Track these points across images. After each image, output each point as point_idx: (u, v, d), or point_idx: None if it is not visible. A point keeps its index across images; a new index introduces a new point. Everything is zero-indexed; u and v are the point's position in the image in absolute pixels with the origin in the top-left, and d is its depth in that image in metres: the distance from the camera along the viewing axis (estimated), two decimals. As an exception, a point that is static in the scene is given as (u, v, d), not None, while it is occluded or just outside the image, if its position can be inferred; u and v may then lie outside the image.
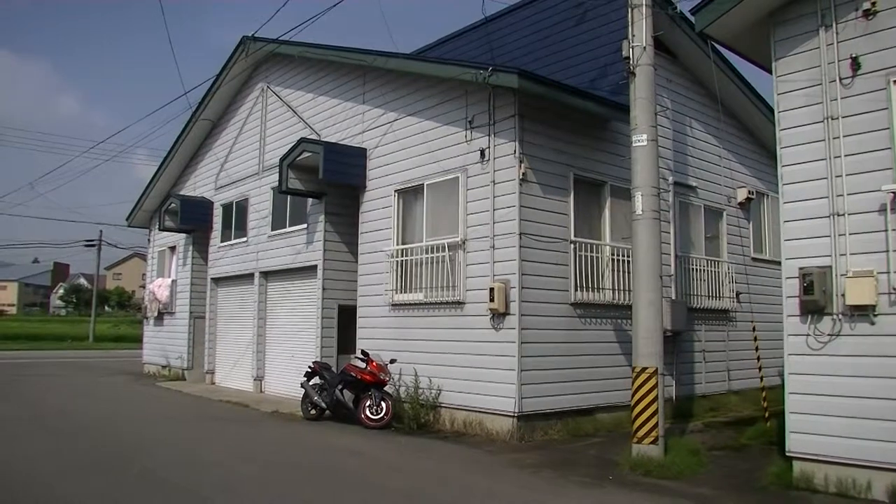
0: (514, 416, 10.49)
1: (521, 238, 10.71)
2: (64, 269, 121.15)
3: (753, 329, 11.95)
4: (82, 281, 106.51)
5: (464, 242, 11.55)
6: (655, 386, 8.74)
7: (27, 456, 9.38)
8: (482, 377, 10.98)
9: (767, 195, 15.90)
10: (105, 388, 19.29)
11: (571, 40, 14.06)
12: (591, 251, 11.74)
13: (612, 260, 12.01)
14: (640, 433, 8.79)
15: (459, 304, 11.52)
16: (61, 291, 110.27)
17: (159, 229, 22.11)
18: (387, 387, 12.11)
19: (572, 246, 11.46)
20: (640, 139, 9.25)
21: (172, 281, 21.93)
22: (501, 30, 15.94)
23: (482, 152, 11.34)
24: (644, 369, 8.84)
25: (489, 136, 11.30)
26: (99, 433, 11.52)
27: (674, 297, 12.77)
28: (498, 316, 10.80)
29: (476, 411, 11.12)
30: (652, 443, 8.72)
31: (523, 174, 10.81)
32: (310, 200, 15.27)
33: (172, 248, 22.47)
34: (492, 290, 10.73)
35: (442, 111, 12.28)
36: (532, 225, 10.89)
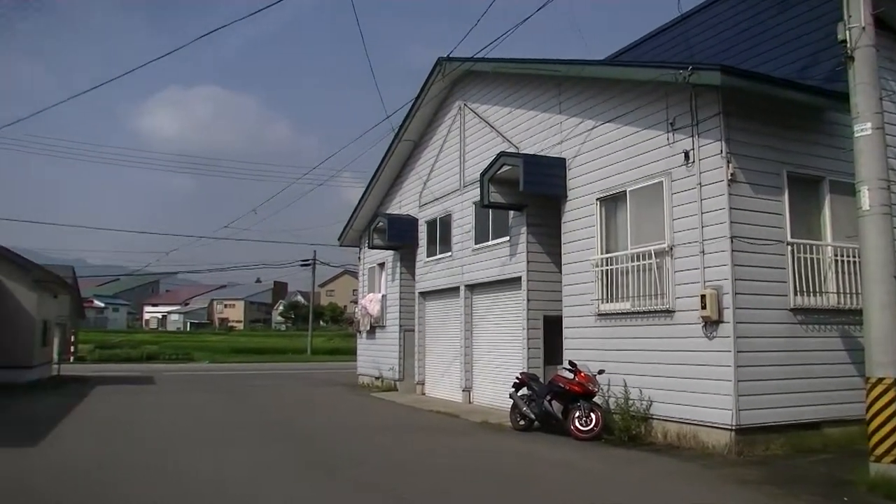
0: (731, 430, 10.00)
1: (732, 242, 10.23)
2: (283, 287, 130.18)
3: None
4: (299, 298, 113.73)
5: (671, 249, 11.20)
6: (895, 398, 7.99)
7: (255, 458, 10.14)
8: (695, 388, 10.57)
9: None
10: (323, 398, 20.59)
11: (772, 31, 13.38)
12: (811, 252, 10.98)
13: (835, 261, 11.16)
14: (879, 451, 8.04)
15: (669, 312, 11.18)
16: (281, 308, 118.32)
17: (368, 247, 23.23)
18: (595, 398, 11.97)
19: (789, 248, 10.78)
20: (863, 128, 8.54)
21: (382, 296, 22.99)
22: (696, 27, 15.44)
23: (686, 154, 10.97)
24: (880, 380, 8.10)
25: (693, 137, 10.92)
26: (319, 439, 12.28)
27: (909, 300, 11.63)
28: (710, 324, 10.36)
29: (689, 423, 10.71)
30: (893, 462, 7.96)
31: (732, 174, 10.34)
32: (511, 213, 15.46)
33: (381, 265, 23.57)
34: (703, 297, 10.32)
35: (641, 115, 12.02)
36: (743, 227, 10.37)
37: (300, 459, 10.35)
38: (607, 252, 12.69)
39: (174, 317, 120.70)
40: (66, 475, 8.91)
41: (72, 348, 38.01)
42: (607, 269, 12.56)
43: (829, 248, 11.20)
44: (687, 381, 10.73)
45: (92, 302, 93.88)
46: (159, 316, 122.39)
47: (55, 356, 29.44)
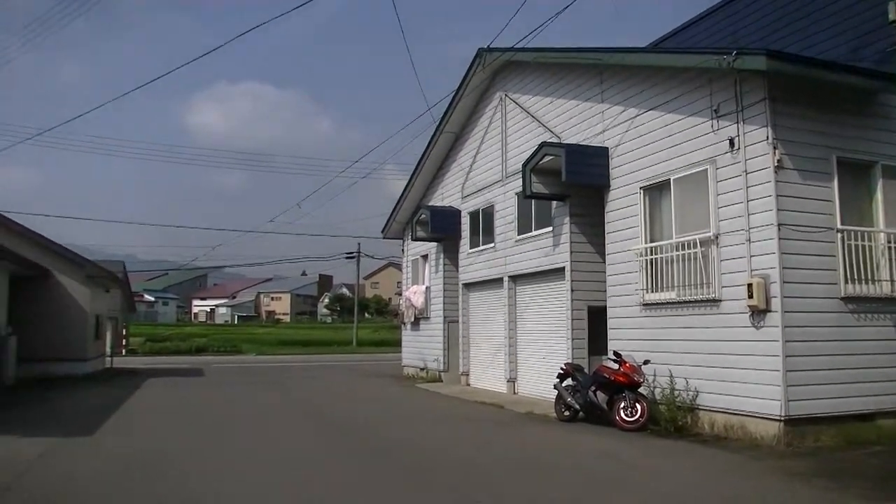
0: (780, 420, 9.83)
1: (779, 229, 10.04)
2: (328, 280, 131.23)
3: None
4: (344, 290, 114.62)
5: (716, 237, 11.04)
6: (950, 387, 7.79)
7: (305, 449, 10.30)
8: (742, 378, 10.42)
9: None
10: (368, 389, 20.79)
11: (819, 13, 13.13)
12: (862, 239, 10.72)
13: (889, 248, 10.88)
14: (934, 440, 7.86)
15: (714, 301, 11.03)
16: (326, 301, 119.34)
17: (412, 239, 23.34)
18: (641, 388, 11.87)
19: (839, 235, 10.53)
20: (916, 112, 8.32)
21: (426, 288, 23.07)
22: (738, 13, 15.20)
23: (731, 141, 10.79)
24: (934, 368, 7.91)
25: (738, 123, 10.73)
26: (363, 429, 12.39)
27: (966, 287, 11.30)
28: (758, 313, 10.20)
29: (737, 414, 10.56)
30: (949, 451, 7.77)
31: (778, 161, 10.14)
32: (554, 203, 15.38)
33: (425, 257, 23.64)
34: (750, 286, 10.16)
35: (685, 102, 11.85)
36: (791, 214, 10.17)
37: (343, 447, 10.50)
38: (651, 241, 12.55)
39: (222, 310, 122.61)
40: (122, 464, 9.12)
41: (123, 341, 38.88)
42: (652, 259, 12.43)
43: (882, 234, 10.92)
44: (734, 370, 10.58)
45: (142, 296, 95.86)
46: (207, 309, 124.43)
47: (108, 349, 30.14)
